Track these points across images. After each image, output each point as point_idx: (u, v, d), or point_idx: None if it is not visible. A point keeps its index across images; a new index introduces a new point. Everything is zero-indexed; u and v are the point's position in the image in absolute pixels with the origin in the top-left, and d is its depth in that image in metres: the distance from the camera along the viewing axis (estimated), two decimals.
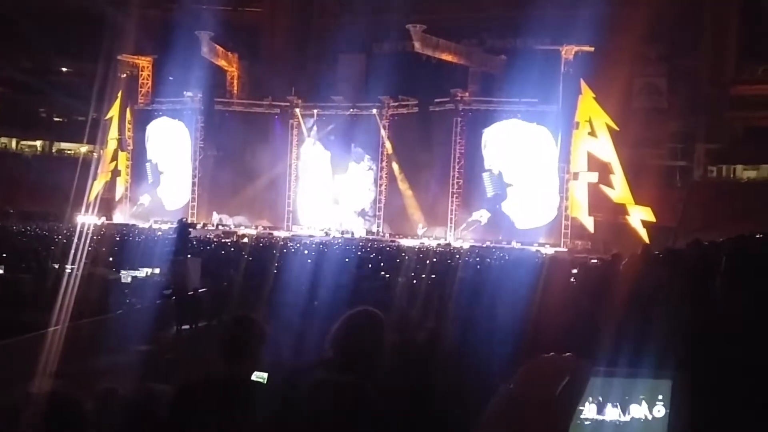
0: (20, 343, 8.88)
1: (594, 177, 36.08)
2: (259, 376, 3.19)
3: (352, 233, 40.69)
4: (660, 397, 1.68)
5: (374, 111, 42.07)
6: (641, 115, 39.38)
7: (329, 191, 43.75)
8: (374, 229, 42.05)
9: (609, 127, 35.66)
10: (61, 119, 56.18)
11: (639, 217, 35.00)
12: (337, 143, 43.65)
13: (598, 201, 36.04)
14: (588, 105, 36.19)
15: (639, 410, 1.67)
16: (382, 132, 42.05)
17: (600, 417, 1.67)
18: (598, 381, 1.63)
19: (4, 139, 55.61)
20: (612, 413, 1.67)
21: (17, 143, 55.84)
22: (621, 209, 35.62)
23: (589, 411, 1.66)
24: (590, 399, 1.65)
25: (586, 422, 1.65)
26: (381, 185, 42.28)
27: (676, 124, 40.86)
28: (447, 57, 40.17)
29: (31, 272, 14.21)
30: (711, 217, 31.79)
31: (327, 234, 40.45)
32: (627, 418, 1.67)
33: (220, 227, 42.33)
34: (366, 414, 2.82)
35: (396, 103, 41.84)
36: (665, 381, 1.70)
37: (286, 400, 2.96)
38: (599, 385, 1.64)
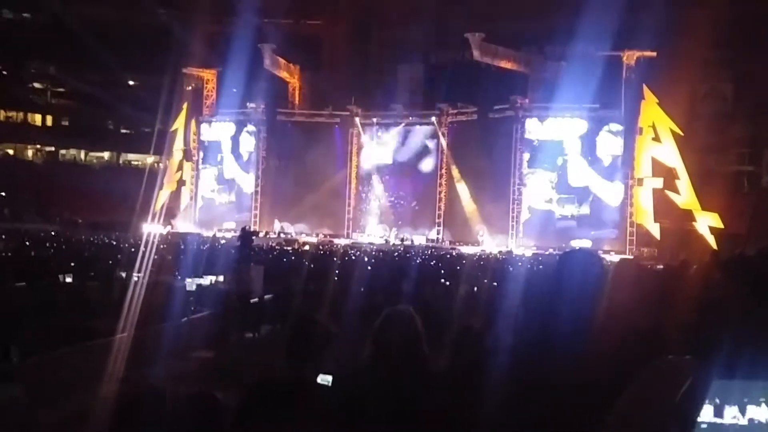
0: (88, 350, 9.03)
1: (659, 183, 35.33)
2: (324, 379, 3.20)
3: (412, 240, 40.65)
4: None
5: (433, 119, 42.06)
6: (706, 120, 38.40)
7: (390, 199, 43.82)
8: (434, 236, 41.95)
9: (673, 132, 34.90)
10: (128, 131, 57.66)
11: (706, 223, 34.09)
12: (396, 151, 43.76)
13: (663, 207, 35.26)
14: (651, 110, 35.50)
15: (758, 412, 1.63)
16: (442, 139, 41.98)
17: (718, 420, 1.63)
18: (715, 383, 1.61)
19: (72, 151, 57.41)
20: (730, 416, 1.63)
21: (86, 155, 57.60)
22: (687, 216, 34.77)
23: (706, 414, 1.62)
24: (707, 401, 1.62)
25: (703, 425, 1.62)
26: (441, 192, 42.17)
27: (742, 128, 39.69)
28: (506, 64, 39.88)
29: (98, 280, 14.48)
30: None
31: (387, 242, 40.50)
32: (745, 420, 1.63)
33: (282, 235, 42.72)
34: (412, 411, 2.83)
35: (455, 111, 41.72)
36: None
37: (350, 401, 2.97)
38: (716, 388, 1.61)
